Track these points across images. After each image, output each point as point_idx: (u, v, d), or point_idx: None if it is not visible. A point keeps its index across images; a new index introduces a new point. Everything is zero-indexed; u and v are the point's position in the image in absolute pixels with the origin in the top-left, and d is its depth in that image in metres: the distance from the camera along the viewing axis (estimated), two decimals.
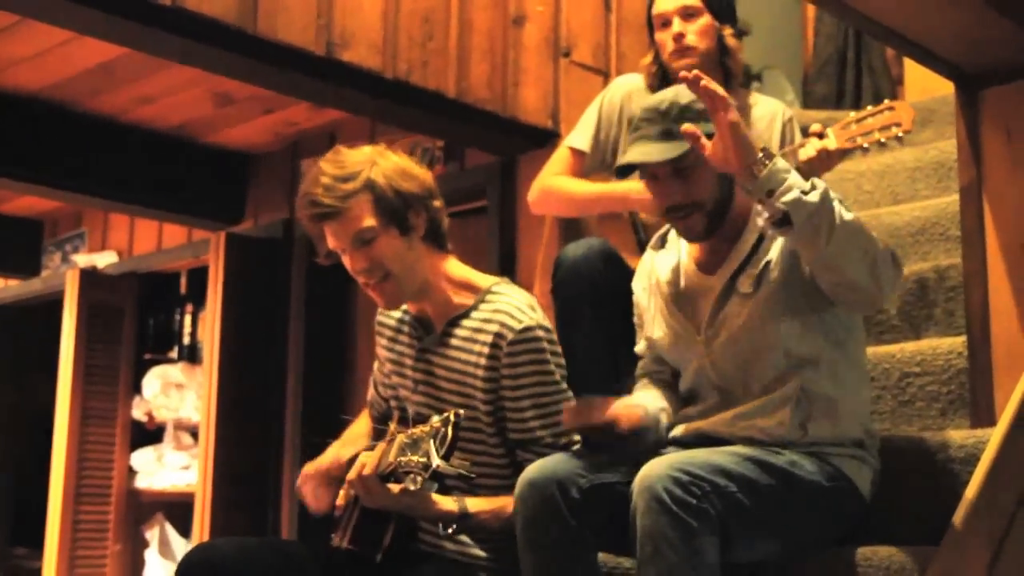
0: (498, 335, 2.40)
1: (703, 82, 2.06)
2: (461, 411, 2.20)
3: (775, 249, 2.28)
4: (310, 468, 2.57)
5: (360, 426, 2.76)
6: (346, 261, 2.43)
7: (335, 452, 2.62)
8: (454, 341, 2.47)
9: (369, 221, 2.37)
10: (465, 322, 2.46)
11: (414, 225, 2.43)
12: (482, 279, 2.53)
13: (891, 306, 3.08)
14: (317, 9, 3.11)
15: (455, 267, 2.53)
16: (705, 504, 1.99)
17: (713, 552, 2.00)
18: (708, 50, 3.05)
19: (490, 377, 2.41)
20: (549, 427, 2.40)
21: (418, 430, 2.20)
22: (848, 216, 2.09)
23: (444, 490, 2.32)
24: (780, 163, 2.08)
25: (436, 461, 2.11)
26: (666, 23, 3.07)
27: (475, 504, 2.35)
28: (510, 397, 2.40)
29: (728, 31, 3.08)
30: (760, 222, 2.16)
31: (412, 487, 2.14)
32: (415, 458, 2.13)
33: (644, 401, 2.39)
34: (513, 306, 2.43)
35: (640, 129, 2.27)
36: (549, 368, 2.41)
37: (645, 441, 2.32)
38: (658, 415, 2.36)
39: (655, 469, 2.02)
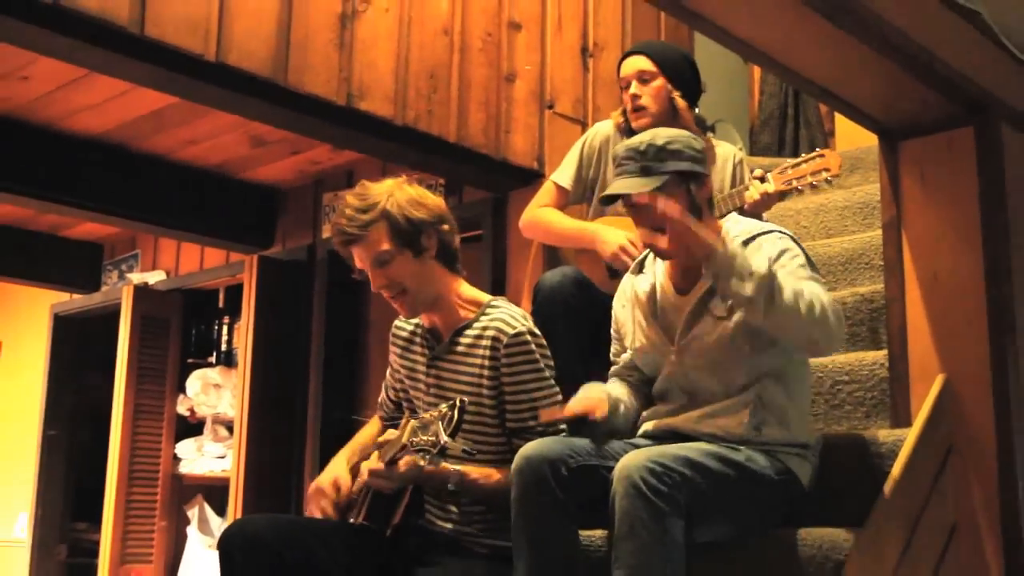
0: (495, 339, 2.40)
1: (658, 204, 2.13)
2: (466, 398, 2.21)
3: None
4: (324, 484, 2.54)
5: (368, 431, 2.75)
6: (371, 281, 2.44)
7: (343, 460, 2.62)
8: (459, 348, 2.47)
9: (385, 245, 2.39)
10: (468, 331, 2.46)
11: (426, 247, 2.44)
12: (483, 296, 2.54)
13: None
14: (339, 65, 3.10)
15: (465, 287, 2.54)
16: (674, 491, 2.00)
17: (679, 532, 2.00)
18: (661, 110, 3.05)
19: (493, 376, 2.41)
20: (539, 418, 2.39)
21: (428, 415, 2.23)
22: (788, 298, 2.08)
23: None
24: (725, 254, 2.08)
25: (444, 438, 2.13)
26: (627, 85, 3.08)
27: (468, 469, 2.36)
28: (509, 392, 2.40)
29: (677, 94, 3.07)
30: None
31: (422, 463, 2.18)
32: (425, 438, 2.15)
33: (609, 389, 2.41)
34: (508, 315, 2.44)
35: (622, 166, 2.29)
36: (540, 367, 2.41)
37: (611, 424, 2.33)
38: (616, 402, 2.38)
39: (633, 460, 2.03)
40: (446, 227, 2.48)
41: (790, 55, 2.47)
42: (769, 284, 2.07)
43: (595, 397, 2.33)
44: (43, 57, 3.24)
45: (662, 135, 2.28)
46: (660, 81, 3.04)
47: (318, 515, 2.50)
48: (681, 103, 3.06)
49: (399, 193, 2.43)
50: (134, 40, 2.64)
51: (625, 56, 3.13)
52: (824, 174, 2.91)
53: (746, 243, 2.30)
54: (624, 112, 3.12)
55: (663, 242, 2.27)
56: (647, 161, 2.25)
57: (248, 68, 2.87)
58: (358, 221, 2.38)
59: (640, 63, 3.06)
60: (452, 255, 2.51)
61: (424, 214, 2.43)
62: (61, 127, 4.21)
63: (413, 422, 2.25)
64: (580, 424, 2.29)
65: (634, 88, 3.04)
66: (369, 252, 2.40)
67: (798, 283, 2.13)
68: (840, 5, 2.17)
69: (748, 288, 2.07)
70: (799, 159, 2.96)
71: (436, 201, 2.49)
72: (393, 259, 2.40)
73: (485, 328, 2.43)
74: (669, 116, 3.03)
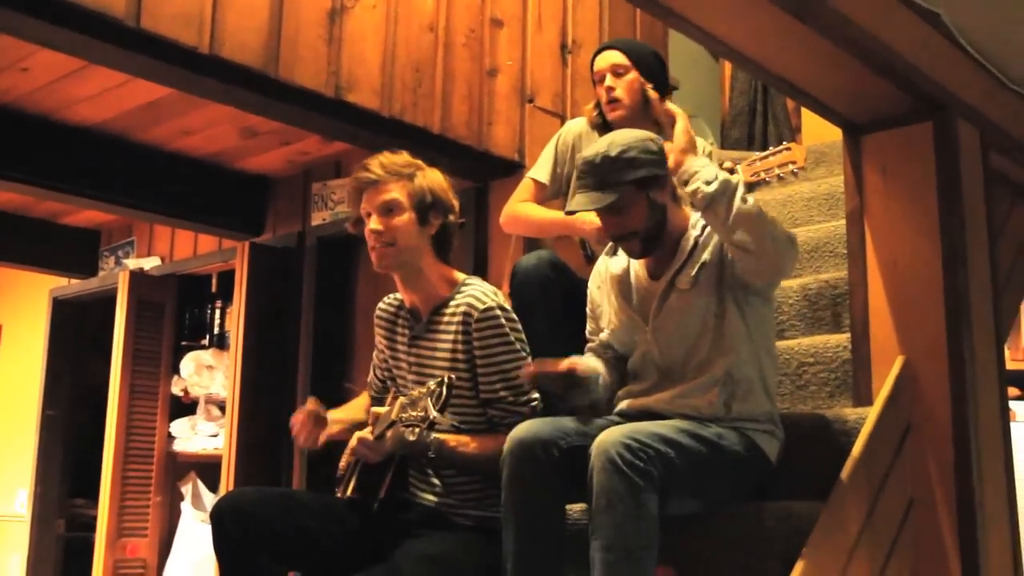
0: (466, 314, 2.42)
1: (664, 106, 2.33)
2: (453, 375, 2.23)
3: (708, 252, 2.30)
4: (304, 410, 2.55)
5: (360, 400, 2.75)
6: (368, 223, 2.46)
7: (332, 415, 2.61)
8: (437, 326, 2.48)
9: (399, 196, 2.43)
10: (444, 309, 2.48)
11: (431, 222, 2.47)
12: (460, 275, 2.56)
13: (791, 308, 3.09)
14: (328, 58, 3.08)
15: (447, 270, 2.54)
16: (649, 466, 2.00)
17: (654, 506, 2.01)
18: (634, 103, 3.03)
19: (466, 350, 2.42)
20: (510, 389, 2.41)
21: (416, 392, 2.24)
22: (748, 205, 2.14)
23: None
24: (698, 162, 2.16)
25: (433, 413, 2.15)
26: (601, 79, 3.06)
27: (446, 437, 2.37)
28: (481, 364, 2.41)
29: (649, 86, 3.06)
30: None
31: (411, 438, 2.19)
32: (415, 413, 2.16)
33: (587, 360, 2.43)
34: (480, 291, 2.46)
35: (582, 179, 2.30)
36: (510, 340, 2.42)
37: (589, 390, 2.35)
38: (597, 370, 2.40)
39: (610, 436, 2.03)
40: (452, 219, 2.52)
41: (759, 51, 2.48)
42: (732, 188, 2.13)
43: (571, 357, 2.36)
44: (42, 49, 3.21)
45: (617, 144, 2.27)
46: (633, 75, 3.03)
47: (302, 439, 2.50)
48: (653, 94, 3.04)
49: (431, 172, 2.52)
50: (130, 32, 2.62)
51: (599, 51, 3.11)
52: (790, 166, 2.92)
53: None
54: (598, 106, 3.11)
55: (635, 245, 2.33)
56: (603, 173, 2.25)
57: (241, 60, 2.85)
58: (390, 168, 2.45)
59: (614, 57, 3.04)
60: (446, 244, 2.54)
61: (443, 197, 2.50)
62: (60, 117, 4.16)
63: (402, 398, 2.26)
64: (559, 383, 2.31)
65: (609, 81, 3.02)
66: (382, 197, 2.44)
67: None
68: (807, 3, 2.18)
69: (712, 187, 2.13)
70: (767, 152, 2.97)
71: (454, 197, 2.55)
72: (400, 212, 2.43)
73: (458, 305, 2.45)
74: (641, 108, 3.02)
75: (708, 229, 2.32)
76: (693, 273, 2.30)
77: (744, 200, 2.13)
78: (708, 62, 5.52)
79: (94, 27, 2.57)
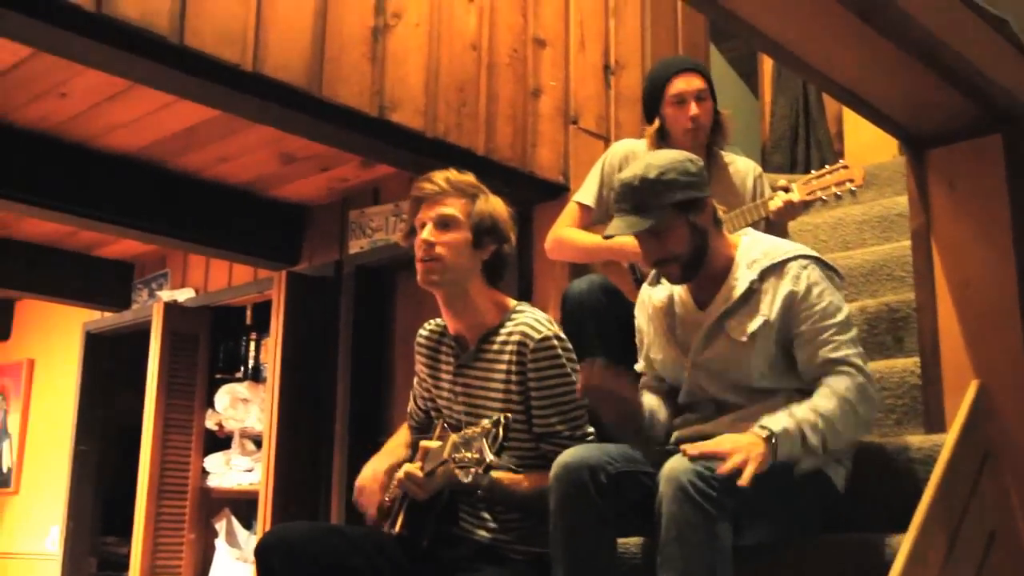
0: (521, 343, 2.32)
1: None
2: (508, 415, 2.11)
3: (773, 308, 2.19)
4: (366, 480, 2.49)
5: (399, 438, 2.65)
6: (420, 234, 2.36)
7: (374, 465, 2.53)
8: (486, 355, 2.38)
9: (457, 213, 2.35)
10: (494, 337, 2.38)
11: (484, 246, 2.38)
12: (510, 301, 2.46)
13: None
14: (371, 77, 3.03)
15: (498, 295, 2.45)
16: (722, 495, 1.90)
17: (727, 537, 1.91)
18: (709, 128, 3.01)
19: (520, 381, 2.32)
20: (567, 422, 2.31)
21: (470, 431, 2.10)
22: (833, 442, 2.09)
23: None
24: (781, 447, 2.02)
25: (490, 457, 2.02)
26: (682, 102, 2.98)
27: (498, 475, 2.27)
28: (535, 397, 2.31)
29: (726, 112, 3.06)
30: None
31: (465, 480, 2.06)
32: (469, 455, 2.04)
33: (646, 398, 2.36)
34: (533, 319, 2.36)
35: (619, 203, 2.22)
36: (567, 371, 2.32)
37: (640, 427, 2.29)
38: (652, 408, 2.33)
39: (680, 464, 1.94)
40: (507, 248, 2.44)
41: (819, 56, 2.37)
42: (821, 442, 2.07)
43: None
44: (81, 74, 3.19)
45: (654, 166, 2.18)
46: (710, 99, 3.00)
47: (370, 507, 2.45)
48: (726, 112, 3.03)
49: (494, 198, 2.44)
50: (174, 49, 2.57)
51: (678, 72, 3.01)
52: (848, 184, 2.85)
53: (767, 272, 2.22)
54: (661, 128, 3.01)
55: (675, 271, 2.24)
56: (641, 197, 2.17)
57: (284, 79, 2.79)
58: (454, 183, 2.37)
59: (698, 82, 2.99)
60: (498, 272, 2.45)
61: (502, 225, 2.41)
62: (97, 145, 4.13)
63: (454, 436, 2.13)
64: (619, 412, 2.25)
65: (694, 109, 2.97)
66: (440, 209, 2.36)
67: (834, 400, 2.09)
68: (872, 2, 2.08)
69: (810, 463, 2.10)
70: (823, 170, 2.88)
71: (512, 227, 2.47)
72: (455, 228, 2.35)
73: (511, 334, 2.35)
74: (712, 130, 3.04)
75: (767, 276, 2.22)
76: (753, 329, 2.19)
77: (832, 439, 2.09)
78: (743, 91, 5.45)
79: (138, 44, 2.52)
